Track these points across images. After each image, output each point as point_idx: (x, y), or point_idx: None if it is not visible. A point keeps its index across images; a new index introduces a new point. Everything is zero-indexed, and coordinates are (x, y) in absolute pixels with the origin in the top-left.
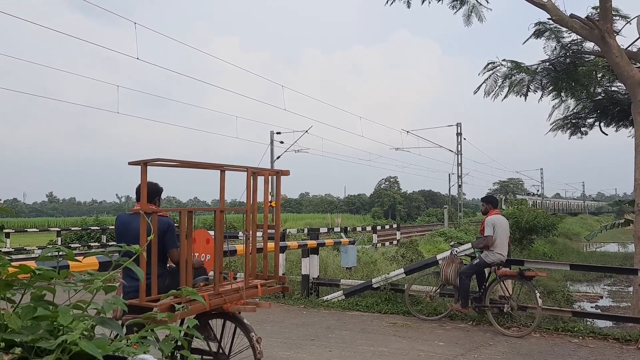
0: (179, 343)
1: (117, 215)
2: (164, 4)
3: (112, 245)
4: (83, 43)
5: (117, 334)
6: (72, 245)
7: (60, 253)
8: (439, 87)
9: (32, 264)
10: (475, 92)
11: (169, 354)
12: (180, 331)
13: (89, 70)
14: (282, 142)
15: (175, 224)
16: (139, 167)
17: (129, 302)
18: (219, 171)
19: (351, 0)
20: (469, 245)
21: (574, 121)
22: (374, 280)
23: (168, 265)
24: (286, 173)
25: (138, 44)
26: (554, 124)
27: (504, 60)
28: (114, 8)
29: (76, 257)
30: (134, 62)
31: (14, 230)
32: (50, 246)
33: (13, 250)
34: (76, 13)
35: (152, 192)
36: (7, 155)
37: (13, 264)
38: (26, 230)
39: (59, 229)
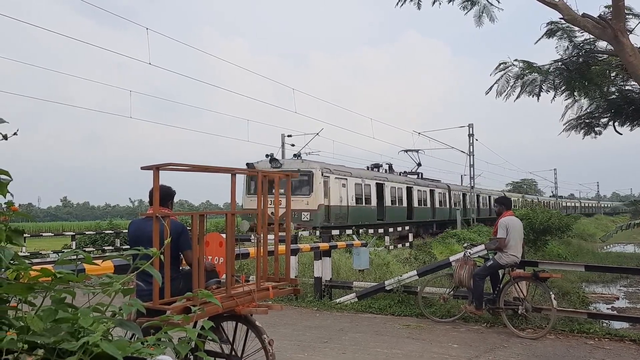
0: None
1: (131, 221)
2: (173, 9)
3: (126, 248)
4: (96, 49)
5: (132, 336)
6: (87, 249)
7: (79, 257)
8: (449, 88)
9: (49, 268)
10: (487, 93)
11: (185, 356)
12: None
13: (102, 76)
14: (293, 145)
15: (188, 228)
16: (152, 171)
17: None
18: (230, 175)
19: (360, 3)
20: (482, 246)
21: (587, 121)
22: (386, 283)
23: (181, 268)
24: (296, 175)
25: (150, 49)
26: (567, 124)
27: (515, 60)
28: (124, 14)
29: (94, 261)
30: (146, 67)
31: (29, 235)
32: (66, 250)
33: (28, 254)
34: (88, 19)
35: (164, 195)
36: (21, 161)
37: (34, 267)
38: (41, 235)
39: (74, 233)
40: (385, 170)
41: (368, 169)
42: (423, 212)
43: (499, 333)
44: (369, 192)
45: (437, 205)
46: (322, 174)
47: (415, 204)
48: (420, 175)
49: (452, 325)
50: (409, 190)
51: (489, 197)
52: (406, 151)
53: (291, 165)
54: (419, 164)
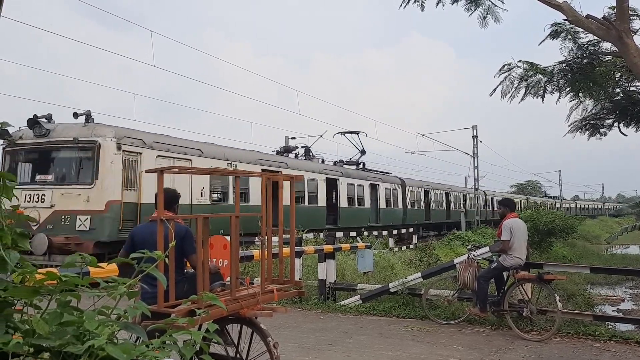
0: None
1: (135, 225)
2: (177, 12)
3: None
4: (99, 52)
5: (137, 339)
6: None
7: (84, 260)
8: (452, 90)
9: (55, 271)
10: (491, 94)
11: (190, 359)
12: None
13: (104, 77)
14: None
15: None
16: (156, 174)
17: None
18: (234, 177)
19: (361, 5)
20: (487, 249)
21: (592, 122)
22: (391, 285)
23: (185, 270)
24: (300, 178)
25: (154, 52)
26: (572, 126)
27: (519, 61)
28: (129, 16)
29: (99, 264)
30: (149, 70)
31: None
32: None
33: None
34: (90, 20)
35: (170, 198)
36: None
37: (39, 270)
38: None
39: None
40: (295, 154)
41: (278, 153)
42: (357, 214)
43: (504, 335)
44: (247, 186)
45: (382, 205)
46: (118, 148)
47: (344, 203)
48: (360, 166)
49: (457, 327)
50: (332, 184)
51: (463, 195)
52: (343, 134)
53: (65, 131)
54: (363, 151)
